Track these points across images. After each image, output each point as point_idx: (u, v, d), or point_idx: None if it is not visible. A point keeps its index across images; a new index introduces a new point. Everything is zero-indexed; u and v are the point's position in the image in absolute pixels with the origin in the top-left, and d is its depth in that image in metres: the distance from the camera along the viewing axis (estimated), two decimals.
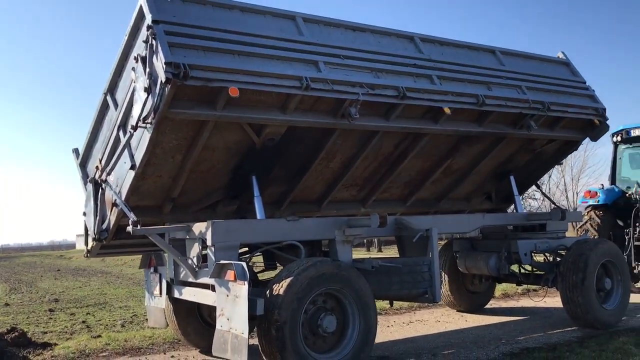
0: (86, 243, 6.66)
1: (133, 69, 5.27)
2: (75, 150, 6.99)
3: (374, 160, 7.17)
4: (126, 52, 5.71)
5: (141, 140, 5.42)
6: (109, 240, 6.27)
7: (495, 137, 7.75)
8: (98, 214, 6.16)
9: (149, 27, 4.98)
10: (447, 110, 6.60)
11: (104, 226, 6.14)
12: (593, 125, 8.50)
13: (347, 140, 6.57)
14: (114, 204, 5.95)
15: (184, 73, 4.85)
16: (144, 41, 5.07)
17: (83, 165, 6.87)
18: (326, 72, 5.80)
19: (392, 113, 6.38)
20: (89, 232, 6.46)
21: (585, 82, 8.62)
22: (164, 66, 4.81)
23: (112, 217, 6.05)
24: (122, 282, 18.19)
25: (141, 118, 5.14)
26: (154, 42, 4.94)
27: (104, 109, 6.24)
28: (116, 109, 5.97)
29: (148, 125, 5.17)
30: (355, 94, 5.89)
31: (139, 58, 5.13)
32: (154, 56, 4.98)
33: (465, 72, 7.07)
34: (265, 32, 5.66)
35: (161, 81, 4.86)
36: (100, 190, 6.18)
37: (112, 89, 6.07)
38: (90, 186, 6.30)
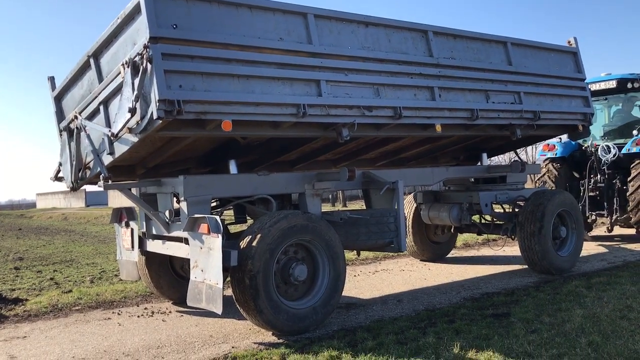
0: (56, 176, 6.63)
1: (123, 65, 4.92)
2: (51, 79, 6.58)
3: (356, 144, 7.34)
4: (116, 32, 5.31)
5: (123, 139, 5.27)
6: (80, 187, 6.31)
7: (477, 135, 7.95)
8: (75, 162, 6.06)
9: (145, 47, 4.66)
10: (438, 129, 6.69)
11: (80, 175, 6.11)
12: (576, 127, 8.77)
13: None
14: (87, 167, 5.91)
15: (178, 110, 4.66)
16: (138, 53, 4.75)
17: (58, 99, 6.55)
18: (326, 94, 5.63)
19: (383, 127, 6.43)
20: (63, 177, 6.44)
21: (584, 79, 8.66)
22: (157, 103, 4.59)
23: (85, 175, 6.04)
24: (87, 240, 18.08)
25: (125, 127, 4.96)
26: (149, 65, 4.66)
27: (85, 67, 5.94)
28: (99, 80, 5.66)
29: (132, 134, 5.05)
30: (351, 117, 5.81)
31: (130, 64, 4.81)
32: (147, 80, 4.71)
33: (467, 79, 7.02)
34: (270, 39, 5.39)
35: (152, 113, 4.68)
36: (75, 137, 6.02)
37: (96, 55, 5.68)
38: (65, 135, 6.14)
